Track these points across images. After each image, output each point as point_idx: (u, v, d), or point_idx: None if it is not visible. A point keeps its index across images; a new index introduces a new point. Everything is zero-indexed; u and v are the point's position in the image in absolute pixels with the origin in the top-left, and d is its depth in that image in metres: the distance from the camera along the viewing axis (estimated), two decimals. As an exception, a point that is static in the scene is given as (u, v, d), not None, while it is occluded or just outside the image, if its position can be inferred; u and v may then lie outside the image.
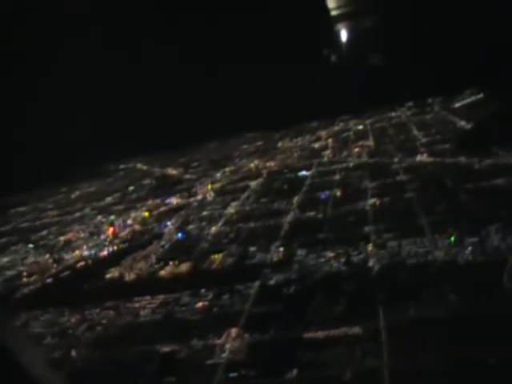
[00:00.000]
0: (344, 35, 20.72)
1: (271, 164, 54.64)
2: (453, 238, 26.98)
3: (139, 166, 77.61)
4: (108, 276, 33.14)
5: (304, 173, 46.85)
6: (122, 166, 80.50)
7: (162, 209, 46.19)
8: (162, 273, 31.94)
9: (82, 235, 43.03)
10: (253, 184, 47.42)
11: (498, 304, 20.14)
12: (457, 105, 58.35)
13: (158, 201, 49.25)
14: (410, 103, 66.58)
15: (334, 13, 19.57)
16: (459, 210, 31.04)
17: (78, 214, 52.48)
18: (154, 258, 34.11)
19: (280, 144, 67.74)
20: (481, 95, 54.02)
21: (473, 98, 54.45)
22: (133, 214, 46.03)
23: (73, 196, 67.20)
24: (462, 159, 39.14)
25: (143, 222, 43.29)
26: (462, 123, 50.47)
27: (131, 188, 61.24)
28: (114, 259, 36.21)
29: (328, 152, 54.54)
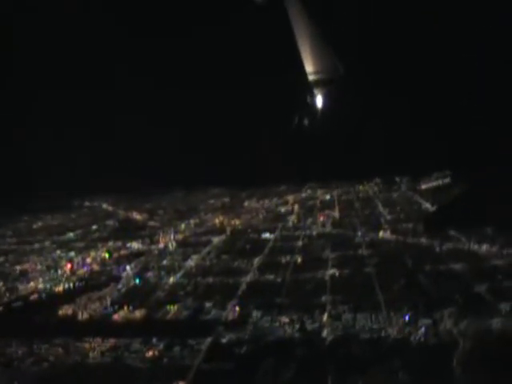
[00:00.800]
0: (319, 101, 21.24)
1: (236, 222, 55.01)
2: (407, 318, 27.56)
3: (104, 205, 77.37)
4: (61, 312, 32.84)
5: (267, 235, 47.28)
6: (86, 203, 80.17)
7: (123, 252, 46.07)
8: (116, 316, 31.79)
9: (39, 267, 42.57)
10: (215, 240, 47.67)
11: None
12: (423, 186, 59.76)
13: (119, 243, 49.11)
14: (378, 180, 67.94)
15: (311, 77, 20.13)
16: (416, 290, 31.70)
17: (37, 246, 51.94)
18: (109, 301, 33.96)
19: (246, 203, 68.28)
20: (447, 180, 55.53)
21: (439, 182, 55.97)
22: (93, 253, 45.85)
23: (34, 226, 66.47)
24: (424, 240, 40.08)
25: (102, 262, 43.13)
26: (427, 205, 51.73)
27: (94, 227, 60.97)
28: (69, 296, 35.90)
29: (293, 217, 55.20)
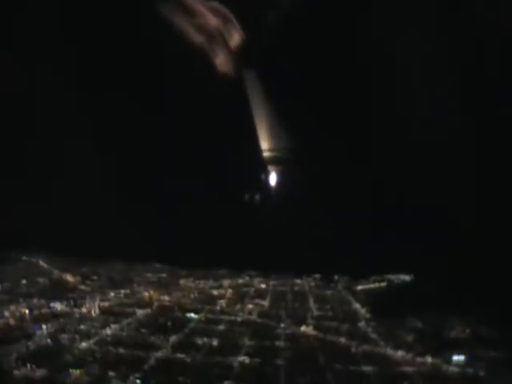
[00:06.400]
0: (273, 178, 21.85)
1: (165, 298, 54.93)
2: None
3: (41, 262, 76.41)
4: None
5: (192, 315, 47.30)
6: (24, 258, 79.08)
7: (44, 311, 45.61)
8: (16, 373, 31.48)
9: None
10: (139, 312, 47.53)
11: None
12: (359, 287, 60.58)
13: (43, 301, 48.60)
14: (317, 275, 68.20)
15: (266, 155, 20.84)
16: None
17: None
18: (14, 357, 33.60)
19: (182, 281, 68.10)
20: (384, 283, 56.89)
21: (376, 285, 57.19)
22: (12, 308, 45.28)
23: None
24: (343, 339, 40.66)
25: (20, 318, 42.65)
26: (357, 305, 52.56)
27: (24, 281, 60.19)
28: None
29: (223, 301, 55.35)
